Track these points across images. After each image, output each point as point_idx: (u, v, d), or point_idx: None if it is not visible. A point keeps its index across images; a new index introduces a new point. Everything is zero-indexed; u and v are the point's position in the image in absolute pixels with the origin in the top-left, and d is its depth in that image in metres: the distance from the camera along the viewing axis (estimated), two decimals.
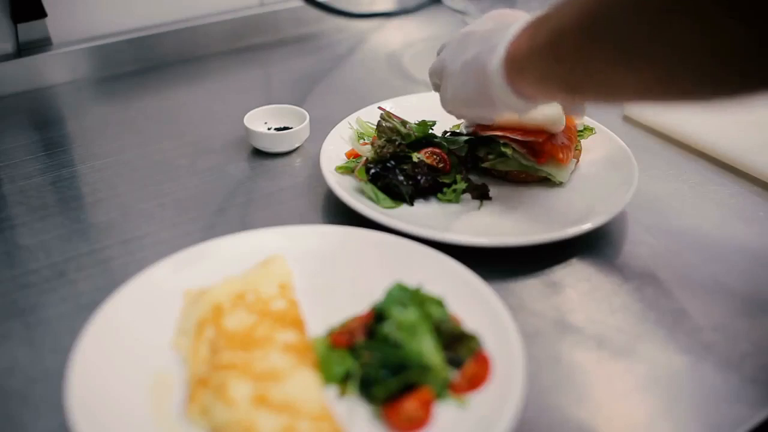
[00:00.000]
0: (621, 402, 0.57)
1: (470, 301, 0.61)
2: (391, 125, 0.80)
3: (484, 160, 0.83)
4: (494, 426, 0.50)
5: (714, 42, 0.42)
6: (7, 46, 1.09)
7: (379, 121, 0.81)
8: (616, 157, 0.84)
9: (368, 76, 1.17)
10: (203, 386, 0.54)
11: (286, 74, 1.18)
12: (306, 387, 0.53)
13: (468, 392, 0.54)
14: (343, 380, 0.55)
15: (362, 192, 0.78)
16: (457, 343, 0.56)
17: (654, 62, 0.47)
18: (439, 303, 0.59)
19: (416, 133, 0.80)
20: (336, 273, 0.66)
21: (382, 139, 0.80)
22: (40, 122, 1.01)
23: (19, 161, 0.91)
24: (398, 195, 0.77)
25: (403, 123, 0.81)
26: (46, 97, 1.09)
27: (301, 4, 1.29)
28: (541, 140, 0.79)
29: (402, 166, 0.78)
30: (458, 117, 0.76)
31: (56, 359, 0.60)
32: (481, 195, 0.78)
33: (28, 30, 1.09)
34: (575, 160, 0.83)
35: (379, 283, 0.62)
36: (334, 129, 0.89)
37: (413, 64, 1.21)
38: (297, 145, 0.93)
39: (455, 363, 0.56)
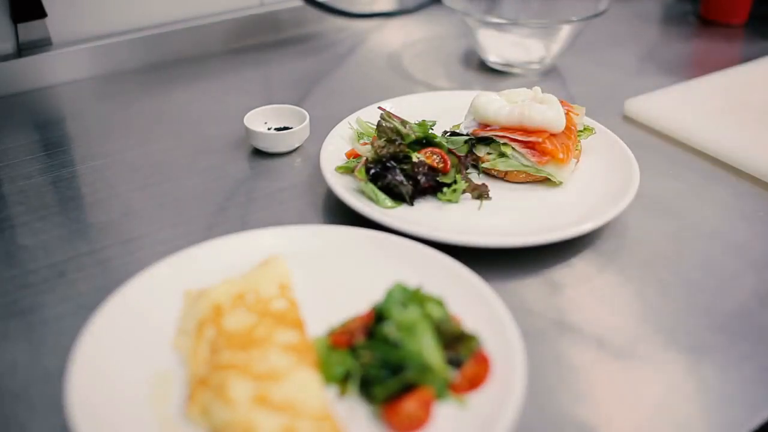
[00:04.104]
0: (621, 402, 0.57)
1: (470, 301, 0.61)
2: (391, 125, 0.80)
3: (484, 160, 0.83)
4: (494, 426, 0.50)
5: None
6: (7, 46, 1.09)
7: (379, 121, 0.81)
8: (616, 157, 0.84)
9: (368, 76, 1.17)
10: (203, 386, 0.54)
11: (286, 74, 1.18)
12: (306, 387, 0.53)
13: (468, 392, 0.54)
14: (343, 380, 0.55)
15: (362, 192, 0.78)
16: (457, 343, 0.56)
17: None
18: (439, 303, 0.59)
19: (416, 133, 0.80)
20: (336, 273, 0.66)
21: (382, 139, 0.80)
22: (40, 122, 1.01)
23: (19, 161, 0.91)
24: (398, 195, 0.77)
25: (403, 123, 0.81)
26: (46, 97, 1.09)
27: (301, 4, 1.29)
28: (541, 140, 0.79)
29: (402, 166, 0.78)
30: None
31: (56, 359, 0.60)
32: (481, 195, 0.78)
33: (28, 30, 1.09)
34: (575, 160, 0.83)
35: (379, 283, 0.62)
36: (334, 129, 0.89)
37: (413, 64, 1.21)
38: (297, 145, 0.93)
39: (455, 363, 0.55)
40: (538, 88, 0.85)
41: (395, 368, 0.54)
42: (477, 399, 0.54)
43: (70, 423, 0.50)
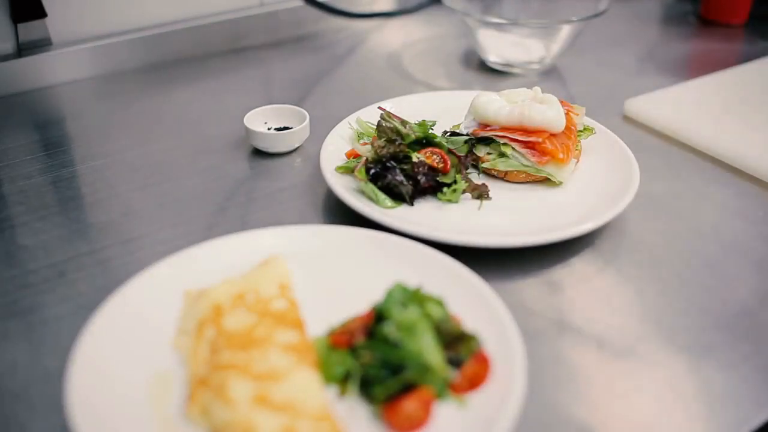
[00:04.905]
0: (621, 402, 0.57)
1: (470, 301, 0.61)
2: (391, 125, 0.80)
3: (484, 160, 0.83)
4: (494, 426, 0.50)
5: None
6: (7, 46, 1.09)
7: (379, 121, 0.81)
8: (616, 157, 0.84)
9: (368, 76, 1.17)
10: (203, 386, 0.54)
11: (286, 74, 1.18)
12: (306, 387, 0.53)
13: (468, 392, 0.54)
14: (343, 380, 0.55)
15: (362, 192, 0.78)
16: (457, 343, 0.56)
17: None
18: (439, 303, 0.59)
19: (416, 133, 0.80)
20: (336, 273, 0.66)
21: (382, 139, 0.80)
22: (40, 122, 1.01)
23: (19, 161, 0.91)
24: (398, 195, 0.77)
25: (403, 123, 0.81)
26: (46, 97, 1.09)
27: (301, 4, 1.29)
28: (541, 140, 0.79)
29: (402, 166, 0.78)
30: None
31: (56, 359, 0.60)
32: (481, 195, 0.78)
33: (28, 30, 1.09)
34: (575, 160, 0.83)
35: (379, 283, 0.62)
36: (334, 129, 0.89)
37: (413, 64, 1.21)
38: (297, 145, 0.93)
39: (455, 363, 0.55)
40: (538, 88, 0.85)
41: (395, 368, 0.54)
42: (477, 399, 0.54)
43: (70, 423, 0.50)
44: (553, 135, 0.80)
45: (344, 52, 1.27)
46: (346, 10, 1.31)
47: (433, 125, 0.86)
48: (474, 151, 0.84)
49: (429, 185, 0.78)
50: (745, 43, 1.32)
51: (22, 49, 1.10)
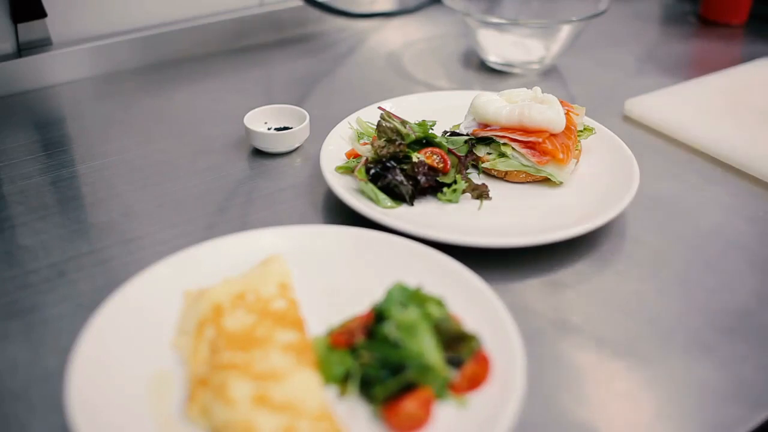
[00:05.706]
0: (621, 402, 0.57)
1: (470, 301, 0.61)
2: (391, 125, 0.80)
3: (484, 160, 0.83)
4: (494, 426, 0.50)
5: None
6: (7, 46, 1.08)
7: (379, 121, 0.81)
8: (616, 157, 0.84)
9: (368, 76, 1.17)
10: (203, 386, 0.54)
11: (286, 74, 1.18)
12: (306, 387, 0.53)
13: (468, 392, 0.54)
14: (343, 380, 0.55)
15: (362, 192, 0.78)
16: (457, 343, 0.56)
17: None
18: (439, 303, 0.59)
19: (416, 133, 0.80)
20: (336, 273, 0.66)
21: (382, 139, 0.80)
22: (40, 122, 1.01)
23: (19, 161, 0.91)
24: (398, 195, 0.77)
25: (403, 123, 0.81)
26: (46, 97, 1.09)
27: (301, 4, 1.29)
28: (541, 140, 0.79)
29: (402, 166, 0.78)
30: None
31: (56, 359, 0.60)
32: (481, 195, 0.78)
33: (28, 30, 1.09)
34: (575, 160, 0.83)
35: (379, 283, 0.62)
36: (334, 129, 0.89)
37: (413, 64, 1.21)
38: (297, 145, 0.93)
39: (455, 363, 0.55)
40: (538, 88, 0.85)
41: (395, 368, 0.54)
42: (477, 399, 0.54)
43: (70, 423, 0.50)
44: (553, 135, 0.80)
45: (344, 52, 1.27)
46: (346, 10, 1.31)
47: (433, 125, 0.86)
48: (474, 151, 0.84)
49: (429, 185, 0.78)
50: (745, 43, 1.32)
51: (22, 49, 1.10)
